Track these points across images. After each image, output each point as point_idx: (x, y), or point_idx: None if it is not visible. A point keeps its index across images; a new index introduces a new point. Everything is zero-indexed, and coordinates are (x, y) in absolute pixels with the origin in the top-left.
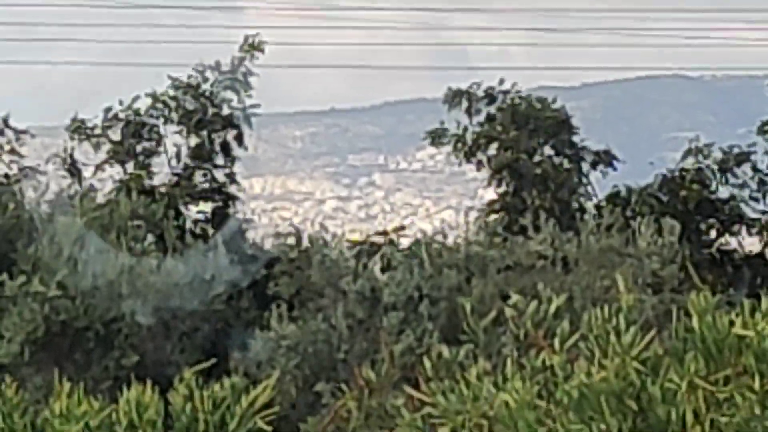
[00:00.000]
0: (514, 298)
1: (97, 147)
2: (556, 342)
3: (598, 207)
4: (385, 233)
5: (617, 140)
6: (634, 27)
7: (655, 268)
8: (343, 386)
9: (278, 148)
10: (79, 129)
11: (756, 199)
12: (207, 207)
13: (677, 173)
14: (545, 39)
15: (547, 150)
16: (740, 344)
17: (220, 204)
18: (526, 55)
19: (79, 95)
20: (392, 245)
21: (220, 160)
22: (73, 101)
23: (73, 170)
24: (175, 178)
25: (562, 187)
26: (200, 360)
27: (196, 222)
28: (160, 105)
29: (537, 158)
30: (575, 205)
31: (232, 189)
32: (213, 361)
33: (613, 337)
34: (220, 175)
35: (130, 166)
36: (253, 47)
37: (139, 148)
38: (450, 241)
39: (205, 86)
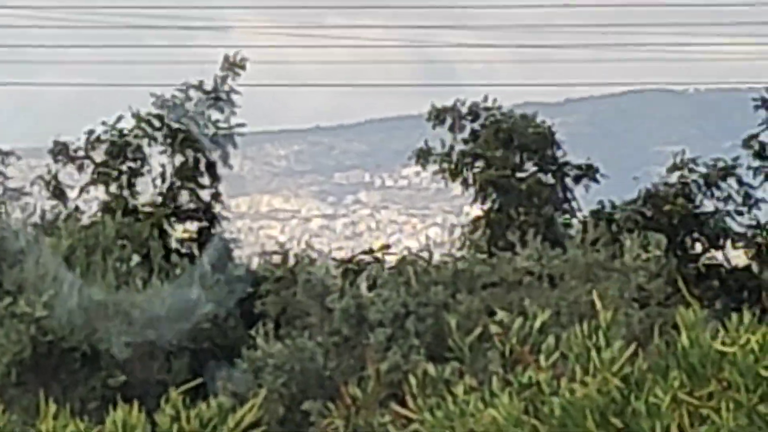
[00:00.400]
0: (500, 314)
1: (80, 168)
2: (542, 358)
3: (583, 222)
4: (371, 251)
5: (603, 155)
6: (619, 42)
7: (641, 282)
8: (330, 404)
9: (264, 167)
10: (61, 152)
11: (741, 213)
12: (192, 226)
13: (662, 187)
14: (531, 55)
15: (532, 166)
16: (722, 359)
17: (205, 223)
18: (512, 71)
19: (66, 116)
20: (378, 263)
21: (205, 179)
22: (60, 122)
23: (58, 192)
24: (160, 198)
25: (547, 202)
26: (187, 380)
27: (182, 241)
28: (144, 125)
29: (521, 174)
30: (560, 220)
31: (218, 208)
32: (199, 380)
33: (594, 354)
34: (205, 195)
35: (114, 187)
36: (234, 65)
37: (123, 168)
38: (436, 258)
39: (189, 105)
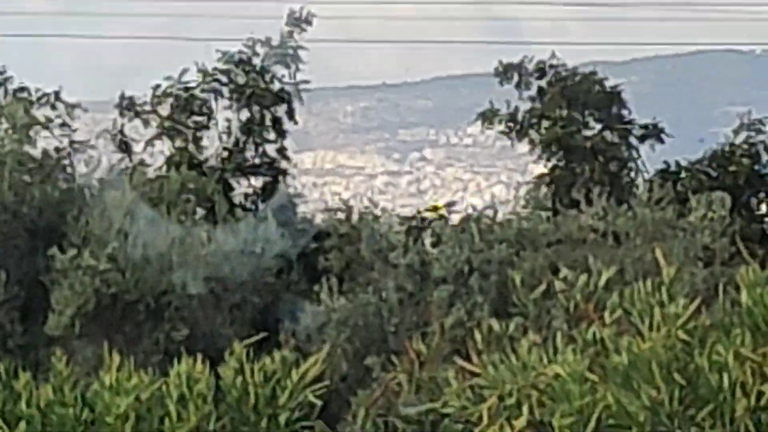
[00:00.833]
0: (564, 271)
1: (146, 123)
2: (606, 315)
3: (649, 181)
4: (435, 209)
5: (668, 115)
6: (687, 1)
7: (706, 242)
8: (394, 359)
9: (329, 123)
10: (127, 105)
11: None
12: (257, 182)
13: (728, 148)
14: (598, 13)
15: (597, 124)
16: None
17: (270, 179)
18: (578, 29)
19: (130, 69)
20: (443, 220)
21: (270, 134)
22: (124, 75)
23: (123, 145)
24: (225, 153)
25: (613, 160)
26: (251, 333)
27: (246, 196)
28: (210, 79)
29: (587, 132)
30: (626, 179)
31: (283, 164)
32: (264, 334)
33: (657, 310)
34: (270, 150)
35: (179, 141)
36: (300, 20)
37: (189, 122)
38: (501, 216)
39: (256, 61)
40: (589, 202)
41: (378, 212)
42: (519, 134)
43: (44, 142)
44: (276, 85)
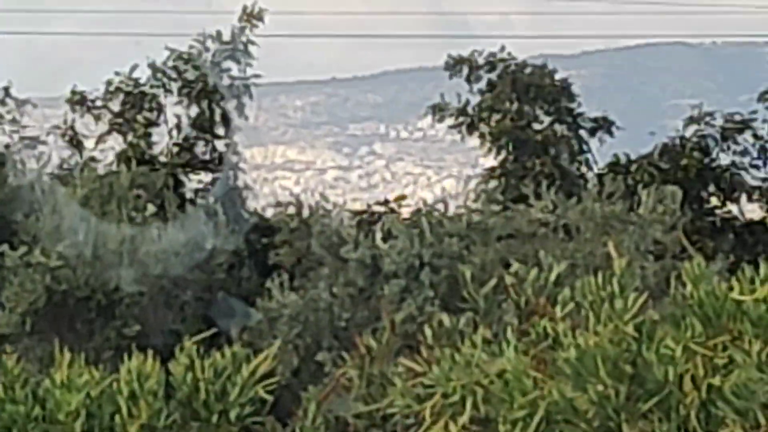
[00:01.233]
0: (515, 265)
1: (98, 118)
2: (558, 309)
3: (599, 175)
4: (386, 202)
5: (618, 108)
6: None
7: (657, 236)
8: (345, 355)
9: (279, 118)
10: (78, 101)
11: (756, 167)
12: (207, 177)
13: (678, 141)
14: (546, 6)
15: (547, 118)
16: (737, 310)
17: (220, 174)
18: (527, 24)
19: (80, 65)
20: (393, 214)
21: (220, 130)
22: (73, 71)
23: (74, 141)
24: (176, 149)
25: (563, 154)
26: (201, 329)
27: (196, 191)
28: (160, 75)
29: (537, 126)
30: (576, 172)
31: (233, 159)
32: (214, 330)
33: (606, 303)
34: (220, 145)
35: (130, 137)
36: (252, 16)
37: (139, 118)
38: (451, 209)
39: (206, 56)
40: (538, 196)
41: (329, 207)
42: (469, 128)
43: None
44: (226, 81)
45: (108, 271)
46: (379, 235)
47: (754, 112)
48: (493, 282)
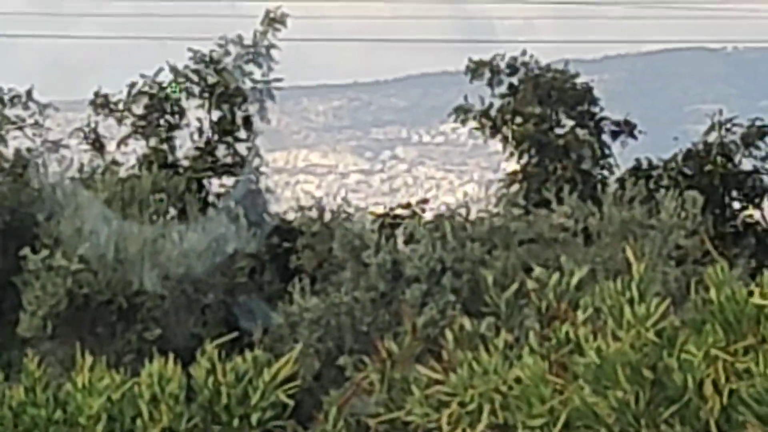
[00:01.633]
0: (537, 270)
1: (120, 121)
2: (579, 314)
3: (620, 179)
4: (408, 206)
5: (639, 113)
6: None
7: (678, 240)
8: (366, 359)
9: (301, 122)
10: (102, 103)
11: None
12: (229, 181)
13: (702, 146)
14: (569, 11)
15: (569, 122)
16: (759, 315)
17: (242, 178)
18: (551, 27)
19: (102, 69)
20: (415, 218)
21: (242, 134)
22: (95, 75)
23: (97, 144)
24: (198, 152)
25: (584, 158)
26: (222, 333)
27: (218, 195)
28: (182, 79)
29: (559, 130)
30: (598, 176)
31: (255, 163)
32: (235, 334)
33: (627, 308)
34: (242, 149)
35: (153, 141)
36: (274, 20)
37: (162, 121)
38: (473, 213)
39: (228, 60)
40: (560, 200)
41: (351, 210)
42: (492, 131)
43: (16, 141)
44: (248, 84)
45: (129, 275)
46: (401, 239)
47: None
48: (514, 286)
